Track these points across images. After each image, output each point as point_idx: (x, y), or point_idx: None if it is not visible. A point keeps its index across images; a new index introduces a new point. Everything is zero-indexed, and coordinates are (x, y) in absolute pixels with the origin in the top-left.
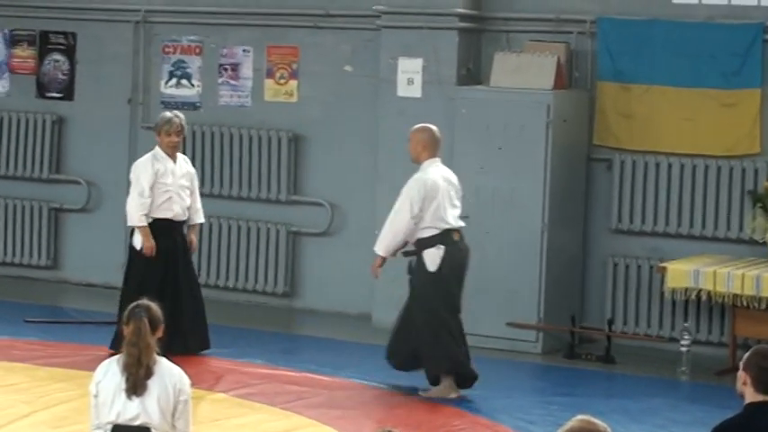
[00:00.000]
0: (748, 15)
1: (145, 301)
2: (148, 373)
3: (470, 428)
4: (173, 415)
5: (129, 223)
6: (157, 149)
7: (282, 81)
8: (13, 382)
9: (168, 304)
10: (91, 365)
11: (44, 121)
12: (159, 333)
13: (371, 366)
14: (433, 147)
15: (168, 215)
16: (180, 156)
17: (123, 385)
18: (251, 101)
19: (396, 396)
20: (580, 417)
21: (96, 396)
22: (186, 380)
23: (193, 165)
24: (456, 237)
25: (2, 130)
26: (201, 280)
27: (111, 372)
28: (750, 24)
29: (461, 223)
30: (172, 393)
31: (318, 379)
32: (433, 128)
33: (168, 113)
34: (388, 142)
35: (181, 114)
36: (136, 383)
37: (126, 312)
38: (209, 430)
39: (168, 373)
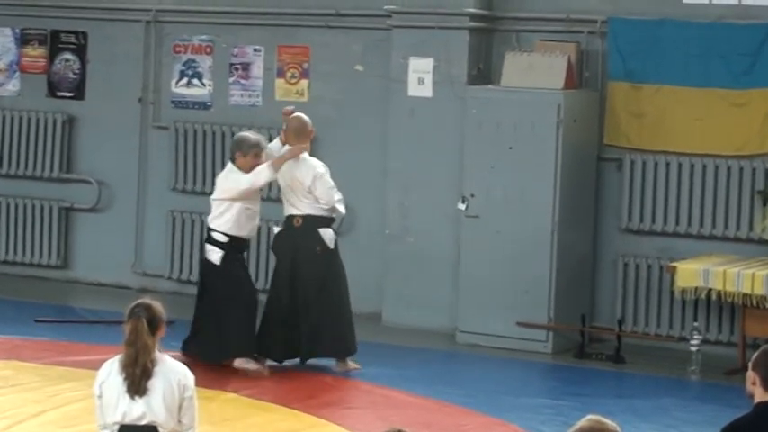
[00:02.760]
0: (759, 15)
1: (146, 301)
2: (146, 373)
3: (481, 428)
4: (179, 411)
5: (264, 179)
6: (235, 169)
7: (293, 81)
8: (24, 382)
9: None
10: (101, 365)
11: (55, 121)
12: (161, 333)
13: (381, 366)
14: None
15: (243, 234)
16: None
17: (124, 386)
18: (262, 100)
19: (405, 396)
20: (590, 416)
21: (100, 397)
22: (190, 376)
23: (204, 165)
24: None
25: (12, 130)
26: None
27: (113, 372)
28: (760, 24)
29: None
30: (177, 390)
31: (328, 378)
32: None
33: (255, 136)
34: (398, 142)
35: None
36: (134, 383)
37: (126, 311)
38: (219, 430)
39: (172, 371)
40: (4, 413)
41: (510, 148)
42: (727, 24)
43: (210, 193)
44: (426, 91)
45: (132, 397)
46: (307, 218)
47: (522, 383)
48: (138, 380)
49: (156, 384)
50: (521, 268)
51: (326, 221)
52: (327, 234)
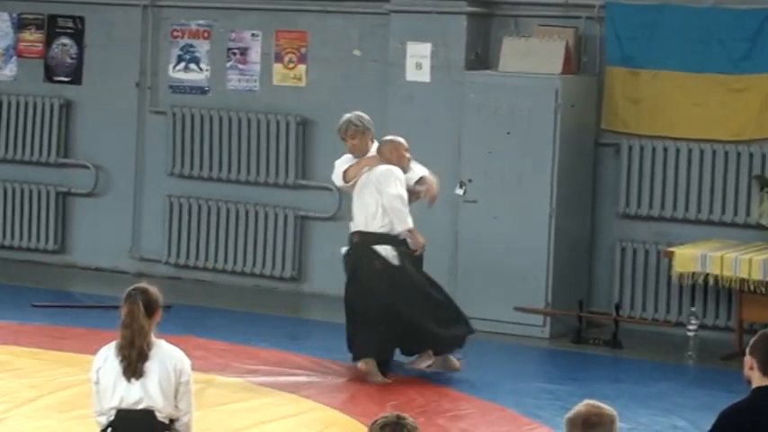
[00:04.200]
0: (757, 0)
1: (142, 285)
2: (142, 356)
3: (478, 412)
4: (175, 396)
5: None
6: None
7: (291, 65)
8: (20, 367)
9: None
10: (98, 350)
11: (52, 105)
12: (157, 317)
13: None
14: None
15: None
16: None
17: (120, 369)
18: (259, 85)
19: (403, 380)
20: (587, 401)
21: (97, 383)
22: (187, 361)
23: (201, 150)
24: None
25: (9, 114)
26: (209, 264)
27: (110, 358)
28: (759, 9)
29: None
30: (173, 375)
31: (326, 363)
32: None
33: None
34: (396, 126)
35: (353, 116)
36: (130, 365)
37: (123, 295)
38: (216, 414)
39: (168, 355)
40: (1, 397)
41: (508, 132)
42: (725, 9)
43: (209, 178)
44: (424, 76)
45: (129, 380)
46: None
47: (519, 368)
48: (134, 362)
49: (153, 368)
50: (518, 253)
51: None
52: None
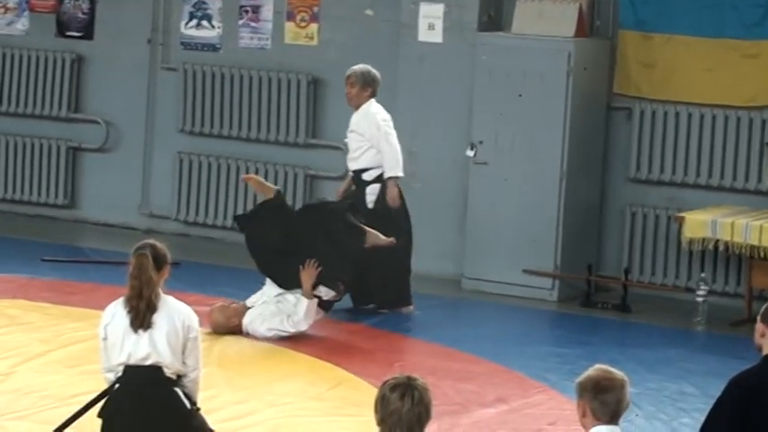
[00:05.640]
0: None
1: (151, 240)
2: (150, 307)
3: (486, 375)
4: (183, 352)
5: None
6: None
7: (303, 24)
8: (30, 321)
9: None
10: (107, 305)
11: (63, 60)
12: (165, 273)
13: (388, 313)
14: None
15: None
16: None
17: (127, 321)
18: (271, 43)
19: (411, 341)
20: (598, 366)
21: (105, 339)
22: (194, 317)
23: (212, 107)
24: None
25: (21, 69)
26: (218, 221)
27: (118, 314)
28: None
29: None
30: (181, 330)
31: (333, 323)
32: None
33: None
34: (408, 87)
35: (363, 66)
36: (138, 316)
37: (132, 249)
38: (224, 372)
39: (176, 311)
40: (9, 352)
41: (519, 95)
42: None
43: (219, 136)
44: (436, 37)
45: (136, 331)
46: None
47: (527, 331)
48: (142, 314)
49: (161, 323)
50: (528, 216)
51: None
52: None
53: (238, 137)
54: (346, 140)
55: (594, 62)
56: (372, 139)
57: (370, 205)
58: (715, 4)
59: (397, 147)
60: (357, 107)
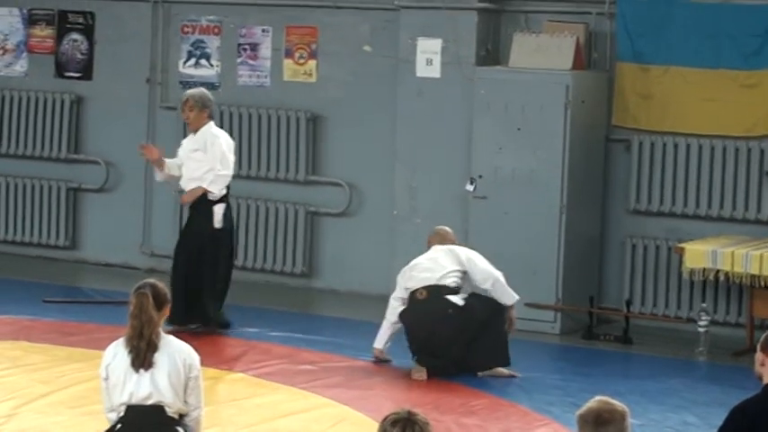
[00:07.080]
0: None
1: (151, 279)
2: (151, 346)
3: (488, 408)
4: (185, 391)
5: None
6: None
7: (301, 61)
8: (32, 362)
9: None
10: (108, 345)
11: (63, 101)
12: (165, 312)
13: (390, 345)
14: None
15: None
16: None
17: (128, 361)
18: (270, 81)
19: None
20: (599, 398)
21: (107, 379)
22: (195, 356)
23: None
24: None
25: (20, 110)
26: None
27: (119, 354)
28: None
29: None
30: (182, 370)
31: (336, 359)
32: None
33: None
34: (406, 122)
35: (190, 91)
36: (139, 355)
37: (132, 289)
38: (226, 410)
39: (177, 350)
40: (12, 393)
41: (518, 128)
42: (736, 5)
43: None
44: (434, 72)
45: (137, 370)
46: None
47: (530, 364)
48: (143, 353)
49: (162, 362)
50: (529, 249)
51: None
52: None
53: (239, 175)
54: (180, 163)
55: (592, 94)
56: (213, 160)
57: (218, 225)
58: (712, 35)
59: (231, 171)
60: (196, 130)
